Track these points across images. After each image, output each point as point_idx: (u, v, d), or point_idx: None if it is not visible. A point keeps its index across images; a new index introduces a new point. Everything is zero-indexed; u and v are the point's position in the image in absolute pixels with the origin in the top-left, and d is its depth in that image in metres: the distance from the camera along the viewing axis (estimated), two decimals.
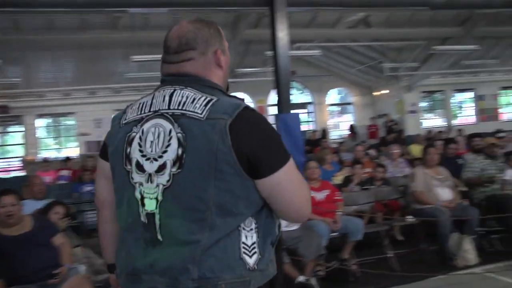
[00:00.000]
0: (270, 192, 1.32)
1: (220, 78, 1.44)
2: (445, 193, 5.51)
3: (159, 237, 1.31)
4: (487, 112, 18.93)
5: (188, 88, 1.36)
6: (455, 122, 18.34)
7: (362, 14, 12.87)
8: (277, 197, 1.33)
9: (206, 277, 1.26)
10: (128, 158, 1.36)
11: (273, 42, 7.21)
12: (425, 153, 5.78)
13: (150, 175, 1.32)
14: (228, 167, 1.26)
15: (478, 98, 19.01)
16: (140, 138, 1.35)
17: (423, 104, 18.71)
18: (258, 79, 14.45)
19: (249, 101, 15.45)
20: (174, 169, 1.28)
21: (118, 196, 1.42)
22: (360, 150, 8.52)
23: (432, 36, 14.57)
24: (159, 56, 1.47)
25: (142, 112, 1.38)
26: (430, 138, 11.88)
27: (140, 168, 1.34)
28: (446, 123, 18.20)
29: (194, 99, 1.32)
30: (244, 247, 1.31)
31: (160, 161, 1.30)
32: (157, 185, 1.30)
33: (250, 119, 1.30)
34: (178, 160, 1.28)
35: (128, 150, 1.36)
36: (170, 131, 1.30)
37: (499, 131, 10.71)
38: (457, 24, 14.58)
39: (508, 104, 20.04)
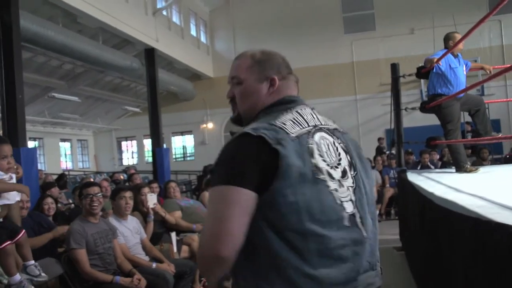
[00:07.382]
0: None
1: None
2: None
3: (365, 233, 1.43)
4: None
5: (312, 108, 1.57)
6: None
7: None
8: None
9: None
10: (318, 168, 1.42)
11: None
12: None
13: (339, 180, 1.44)
14: (367, 163, 1.60)
15: None
16: (317, 149, 1.45)
17: None
18: None
19: None
20: (352, 172, 1.49)
21: (318, 207, 1.39)
22: None
23: None
24: None
25: (304, 126, 1.49)
26: None
27: (330, 176, 1.44)
28: None
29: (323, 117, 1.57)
30: None
31: (341, 168, 1.47)
32: (348, 188, 1.45)
33: None
34: (351, 165, 1.50)
35: (313, 161, 1.43)
36: (334, 143, 1.50)
37: None
38: None
39: None
